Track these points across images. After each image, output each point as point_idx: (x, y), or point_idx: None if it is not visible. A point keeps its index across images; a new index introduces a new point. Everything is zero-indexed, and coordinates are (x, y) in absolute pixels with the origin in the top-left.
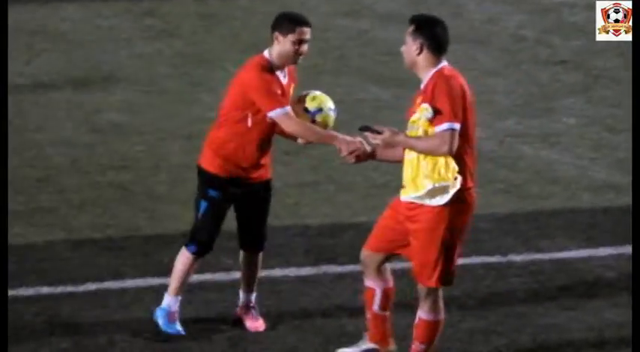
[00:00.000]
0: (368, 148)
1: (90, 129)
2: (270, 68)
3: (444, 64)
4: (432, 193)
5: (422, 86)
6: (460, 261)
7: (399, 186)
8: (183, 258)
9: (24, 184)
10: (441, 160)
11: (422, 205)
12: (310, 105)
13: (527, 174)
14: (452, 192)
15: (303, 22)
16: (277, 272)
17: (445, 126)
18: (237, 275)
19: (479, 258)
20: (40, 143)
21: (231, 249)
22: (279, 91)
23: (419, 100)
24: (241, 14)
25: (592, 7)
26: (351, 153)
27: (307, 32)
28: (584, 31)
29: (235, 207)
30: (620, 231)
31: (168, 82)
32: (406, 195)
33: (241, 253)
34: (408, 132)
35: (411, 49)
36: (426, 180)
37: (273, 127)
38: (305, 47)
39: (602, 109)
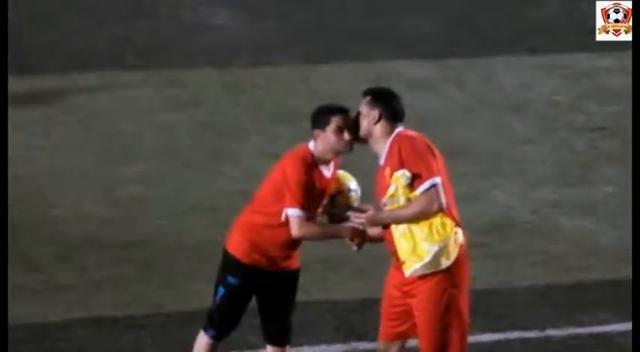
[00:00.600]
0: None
1: (109, 203)
2: (312, 163)
3: (400, 128)
4: (439, 255)
5: (383, 157)
6: (496, 337)
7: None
8: (202, 341)
9: (42, 262)
10: (436, 220)
11: (420, 277)
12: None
13: (564, 245)
14: (458, 245)
15: (336, 109)
16: (306, 350)
17: (427, 184)
18: None
19: (515, 332)
20: (58, 218)
21: (258, 326)
22: (311, 190)
23: (387, 172)
24: (265, 83)
25: (628, 72)
26: (353, 239)
27: (345, 118)
28: (621, 96)
29: (257, 298)
30: None
31: (190, 153)
32: (410, 269)
33: (267, 347)
34: (389, 207)
35: (369, 118)
36: (427, 244)
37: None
38: (347, 135)
39: None
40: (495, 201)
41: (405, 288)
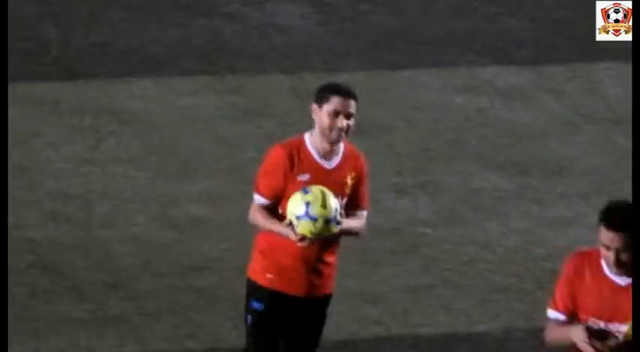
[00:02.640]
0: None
1: (166, 225)
2: (294, 150)
3: None
4: None
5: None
6: None
7: (523, 289)
8: None
9: (90, 289)
10: None
11: None
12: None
13: None
14: None
15: (341, 91)
16: None
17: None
18: None
19: None
20: (109, 241)
21: None
22: (289, 179)
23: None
24: None
25: None
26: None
27: (347, 105)
28: None
29: (284, 326)
30: None
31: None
32: None
33: None
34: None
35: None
36: None
37: None
38: (342, 122)
39: None
40: (595, 224)
41: None
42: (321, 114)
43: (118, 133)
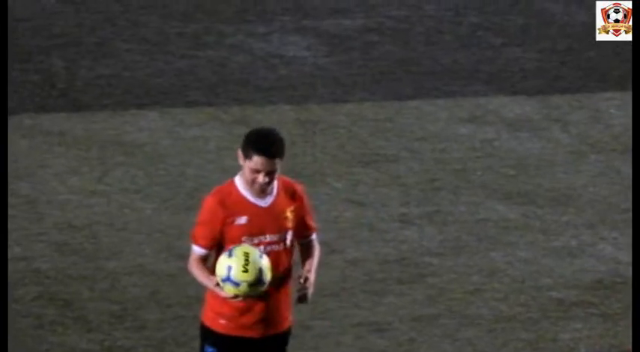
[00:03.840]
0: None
1: (172, 256)
2: (227, 196)
3: None
4: None
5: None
6: None
7: (529, 318)
8: None
9: (97, 320)
10: None
11: None
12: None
13: None
14: None
15: (264, 151)
16: None
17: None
18: None
19: None
20: (116, 272)
21: None
22: (218, 224)
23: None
24: (347, 122)
25: None
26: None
27: (268, 165)
28: None
29: None
30: None
31: None
32: None
33: None
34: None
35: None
36: None
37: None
38: (264, 178)
39: None
40: (603, 256)
41: None
42: (245, 167)
43: (125, 165)
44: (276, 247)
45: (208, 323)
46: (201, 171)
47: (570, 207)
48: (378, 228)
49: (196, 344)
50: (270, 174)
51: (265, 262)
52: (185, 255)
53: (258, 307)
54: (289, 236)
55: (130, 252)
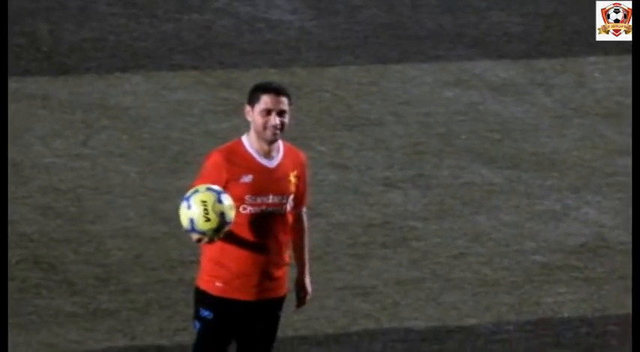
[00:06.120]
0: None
1: (157, 219)
2: (232, 154)
3: None
4: None
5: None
6: None
7: (513, 282)
8: None
9: (82, 283)
10: None
11: None
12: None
13: None
14: None
15: (271, 89)
16: None
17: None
18: None
19: None
20: (100, 235)
21: None
22: (222, 179)
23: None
24: (332, 86)
25: None
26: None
27: (278, 102)
28: None
29: (235, 331)
30: None
31: None
32: None
33: None
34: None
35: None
36: None
37: (267, 222)
38: (275, 119)
39: None
40: (587, 219)
41: None
42: (254, 115)
43: (109, 128)
44: (277, 209)
45: (203, 286)
46: (186, 135)
47: (554, 171)
48: (363, 191)
49: (180, 307)
50: (282, 114)
51: (226, 202)
52: (169, 218)
53: (255, 271)
54: (290, 200)
55: (114, 216)
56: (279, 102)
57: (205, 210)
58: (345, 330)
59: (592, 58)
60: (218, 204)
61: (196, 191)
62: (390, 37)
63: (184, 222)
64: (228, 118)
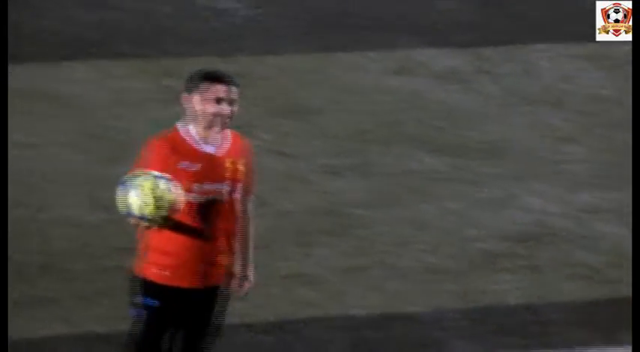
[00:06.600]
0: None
1: (100, 207)
2: (169, 141)
3: None
4: None
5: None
6: None
7: (458, 270)
8: None
9: (25, 271)
10: None
11: None
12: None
13: (606, 257)
14: None
15: (222, 78)
16: None
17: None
18: None
19: None
20: (43, 223)
21: (264, 346)
22: (163, 166)
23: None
24: (275, 74)
25: None
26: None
27: (229, 92)
28: None
29: (178, 319)
30: None
31: None
32: None
33: None
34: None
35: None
36: None
37: (211, 210)
38: (227, 109)
39: None
40: (531, 207)
41: None
42: (201, 103)
43: (53, 117)
44: (221, 197)
45: (147, 274)
46: (130, 123)
47: (500, 159)
48: (308, 179)
49: (122, 294)
50: (232, 103)
51: (165, 187)
52: (111, 206)
53: (199, 259)
54: (235, 188)
55: (58, 204)
56: (229, 92)
57: (144, 193)
58: (290, 318)
59: (539, 46)
60: (157, 189)
61: (135, 175)
62: (336, 26)
63: (121, 206)
64: (171, 106)
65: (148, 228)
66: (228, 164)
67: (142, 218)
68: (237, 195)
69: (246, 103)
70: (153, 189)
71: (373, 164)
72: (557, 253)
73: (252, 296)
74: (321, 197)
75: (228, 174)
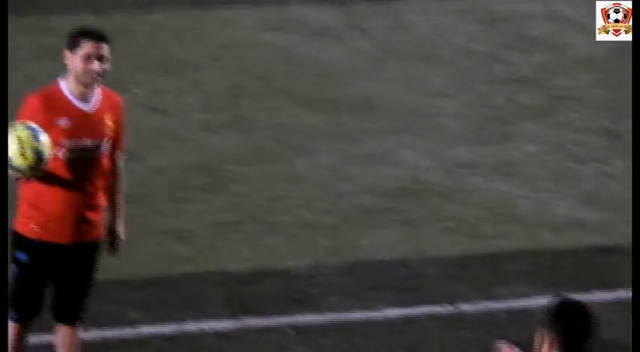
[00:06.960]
0: None
1: None
2: (48, 98)
3: None
4: None
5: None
6: (403, 312)
7: (331, 225)
8: (9, 327)
9: None
10: None
11: None
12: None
13: (479, 211)
14: None
15: (92, 35)
16: (191, 326)
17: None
18: (145, 330)
19: (425, 307)
20: None
21: (138, 301)
22: (39, 123)
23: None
24: (149, 30)
25: (554, 19)
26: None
27: (99, 48)
28: (546, 46)
29: (51, 274)
30: (586, 275)
31: None
32: None
33: (56, 326)
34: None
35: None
36: None
37: (82, 166)
38: (95, 65)
39: (565, 135)
40: (404, 162)
41: None
42: (75, 59)
43: None
44: (92, 153)
45: (20, 228)
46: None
47: (372, 113)
48: (181, 135)
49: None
50: (102, 60)
51: (43, 139)
52: None
53: (70, 214)
54: (107, 144)
55: None
56: (100, 48)
57: (21, 146)
58: (162, 273)
59: (409, 1)
60: (34, 141)
61: (13, 128)
62: None
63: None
64: (47, 63)
65: (26, 180)
66: (99, 120)
67: (18, 170)
68: (108, 151)
69: (118, 59)
70: (31, 142)
71: (245, 119)
72: (430, 207)
73: (126, 251)
74: (195, 152)
75: (99, 131)
